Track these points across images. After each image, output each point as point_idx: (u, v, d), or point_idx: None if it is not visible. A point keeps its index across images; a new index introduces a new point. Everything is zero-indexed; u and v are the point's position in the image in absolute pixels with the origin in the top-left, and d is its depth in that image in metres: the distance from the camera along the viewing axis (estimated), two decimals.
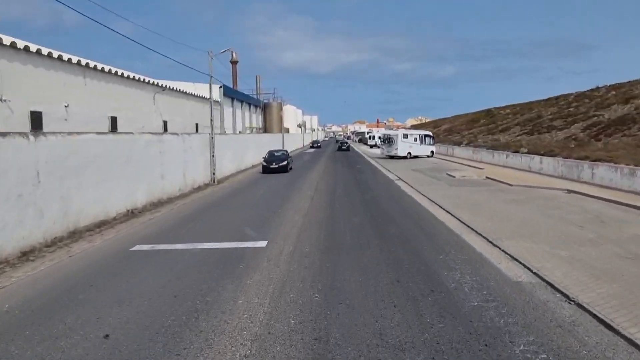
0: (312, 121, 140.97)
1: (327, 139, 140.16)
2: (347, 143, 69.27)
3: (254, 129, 70.35)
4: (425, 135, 44.31)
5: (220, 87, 50.89)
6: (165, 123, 33.39)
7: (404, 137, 42.08)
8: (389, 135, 42.82)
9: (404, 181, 23.06)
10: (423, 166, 32.98)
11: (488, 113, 72.22)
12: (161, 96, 31.48)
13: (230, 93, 54.55)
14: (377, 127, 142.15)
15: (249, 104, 67.36)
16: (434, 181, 22.92)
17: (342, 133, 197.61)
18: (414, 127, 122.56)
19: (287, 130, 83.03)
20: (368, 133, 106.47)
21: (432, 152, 44.95)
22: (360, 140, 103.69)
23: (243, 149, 33.63)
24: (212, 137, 24.84)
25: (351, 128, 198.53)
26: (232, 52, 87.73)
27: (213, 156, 24.81)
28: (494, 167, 29.83)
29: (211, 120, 25.21)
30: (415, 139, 43.11)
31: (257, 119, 74.01)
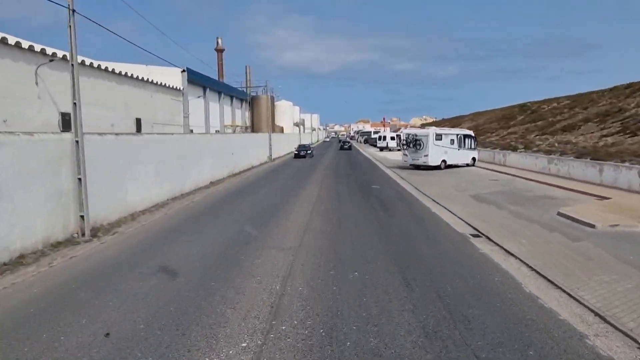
0: (312, 120, 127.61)
1: (328, 139, 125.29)
2: (349, 142, 71.73)
3: (239, 128, 57.10)
4: (465, 136, 30.90)
5: (183, 70, 37.54)
6: (63, 117, 19.99)
7: (437, 139, 28.70)
8: (416, 135, 29.35)
9: (496, 243, 9.79)
10: (483, 188, 19.63)
11: (523, 108, 59.01)
12: (54, 72, 18.25)
13: (201, 80, 41.26)
14: (384, 126, 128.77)
15: (231, 97, 54.01)
16: (567, 244, 9.61)
17: (344, 133, 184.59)
18: (424, 126, 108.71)
19: (282, 130, 69.72)
20: (376, 133, 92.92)
21: (474, 159, 31.60)
22: (366, 141, 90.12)
23: (187, 160, 20.34)
24: (79, 141, 11.52)
25: (354, 127, 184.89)
26: (217, 38, 74.47)
27: (79, 179, 11.55)
28: (624, 195, 16.46)
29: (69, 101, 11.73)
30: (452, 141, 29.74)
31: (243, 116, 60.72)
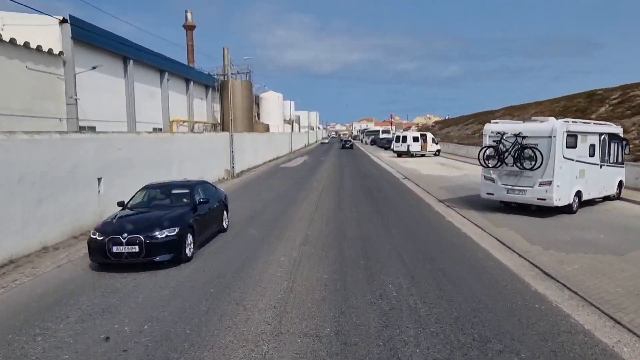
0: (310, 118, 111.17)
1: (327, 140, 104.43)
2: (350, 142, 69.38)
3: (200, 125, 40.79)
4: (612, 138, 14.46)
5: (63, 20, 21.16)
6: None
7: (569, 144, 12.29)
8: (521, 136, 12.68)
9: None
10: None
11: (592, 97, 42.74)
12: None
13: (112, 45, 24.83)
14: (391, 125, 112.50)
15: (187, 81, 37.57)
16: None
17: (346, 132, 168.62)
18: (423, 128, 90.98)
19: (267, 128, 53.29)
20: (385, 132, 76.33)
21: (621, 185, 15.25)
22: (373, 142, 73.29)
23: None
24: None
25: (357, 126, 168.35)
26: (186, 12, 57.90)
27: None
28: None
29: None
30: (592, 149, 13.31)
31: (210, 109, 44.32)
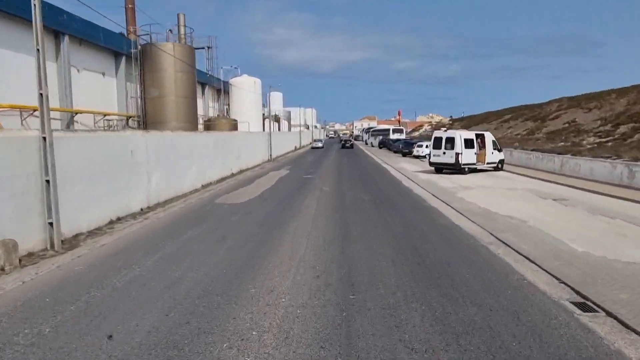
0: (306, 115, 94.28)
1: (320, 144, 71.02)
2: (350, 141, 65.03)
3: (97, 118, 24.03)
4: None
5: None
6: None
7: None
8: None
9: None
10: None
11: None
12: None
13: None
14: (399, 122, 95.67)
15: (59, 35, 20.78)
16: None
17: (346, 132, 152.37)
18: (438, 126, 73.35)
19: (234, 126, 36.34)
20: (396, 131, 59.29)
21: None
22: (382, 144, 56.41)
23: None
24: None
25: (358, 125, 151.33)
26: None
27: None
28: None
29: None
30: None
31: (122, 90, 27.51)
